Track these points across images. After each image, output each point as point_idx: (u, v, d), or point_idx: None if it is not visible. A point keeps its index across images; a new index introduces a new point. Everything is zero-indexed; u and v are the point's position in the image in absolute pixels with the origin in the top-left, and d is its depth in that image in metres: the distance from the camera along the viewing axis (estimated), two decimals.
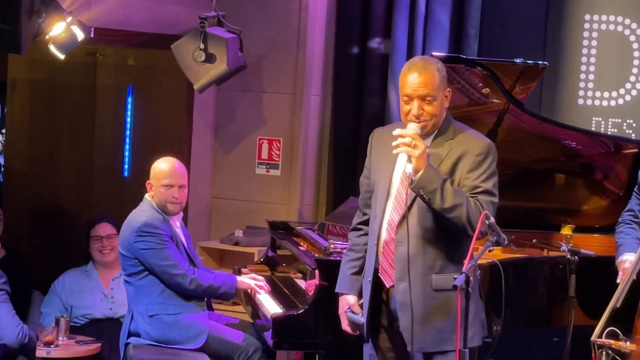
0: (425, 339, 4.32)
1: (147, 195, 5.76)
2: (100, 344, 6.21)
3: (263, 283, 5.82)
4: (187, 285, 5.59)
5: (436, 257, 4.32)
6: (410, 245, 4.30)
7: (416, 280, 4.30)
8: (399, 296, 4.35)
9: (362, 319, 4.51)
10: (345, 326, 4.64)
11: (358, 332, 4.57)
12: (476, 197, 4.24)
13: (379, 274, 4.44)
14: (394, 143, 4.21)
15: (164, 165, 5.74)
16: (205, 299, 5.76)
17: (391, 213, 4.39)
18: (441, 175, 4.21)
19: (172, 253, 5.60)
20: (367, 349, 4.58)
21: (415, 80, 4.27)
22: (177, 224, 5.78)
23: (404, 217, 4.32)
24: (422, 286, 4.30)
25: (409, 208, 4.31)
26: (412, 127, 4.25)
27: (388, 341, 4.51)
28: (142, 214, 5.67)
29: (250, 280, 5.83)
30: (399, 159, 4.32)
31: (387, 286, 4.42)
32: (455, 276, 4.09)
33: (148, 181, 5.74)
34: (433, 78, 4.29)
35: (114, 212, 7.37)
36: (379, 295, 4.47)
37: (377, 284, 4.45)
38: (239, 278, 5.82)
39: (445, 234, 4.30)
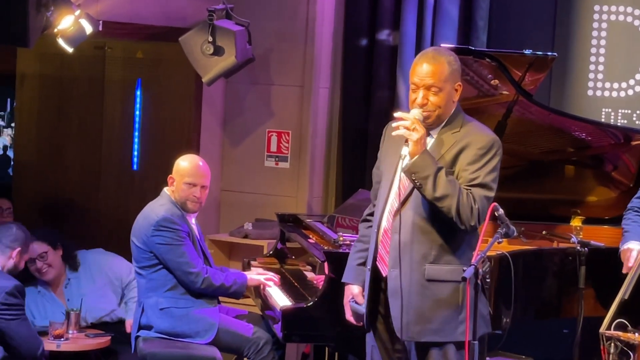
0: (415, 328, 4.31)
1: (166, 189, 5.74)
2: (110, 337, 6.22)
3: (272, 275, 5.82)
4: (199, 285, 5.59)
5: (430, 246, 4.30)
6: (406, 233, 4.29)
7: (409, 268, 4.29)
8: (391, 283, 4.34)
9: (364, 309, 4.51)
10: (349, 316, 4.64)
11: (361, 323, 4.57)
12: (470, 189, 4.22)
13: (377, 262, 4.44)
14: (393, 124, 4.22)
15: (189, 163, 5.72)
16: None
17: (392, 202, 4.39)
18: (437, 164, 4.20)
19: (187, 250, 5.59)
20: (369, 339, 4.57)
21: (423, 69, 4.28)
22: (192, 220, 5.77)
23: (402, 205, 4.32)
24: (415, 275, 4.29)
25: (407, 196, 4.31)
26: (415, 112, 4.25)
27: (386, 331, 4.49)
28: (160, 208, 5.64)
29: (260, 276, 5.82)
30: (403, 154, 4.34)
31: (384, 274, 4.40)
32: (451, 268, 4.14)
33: (170, 176, 5.70)
34: (441, 69, 4.28)
35: (122, 205, 7.40)
36: (378, 284, 4.46)
37: (376, 273, 4.45)
38: (249, 275, 5.81)
39: (441, 224, 4.27)
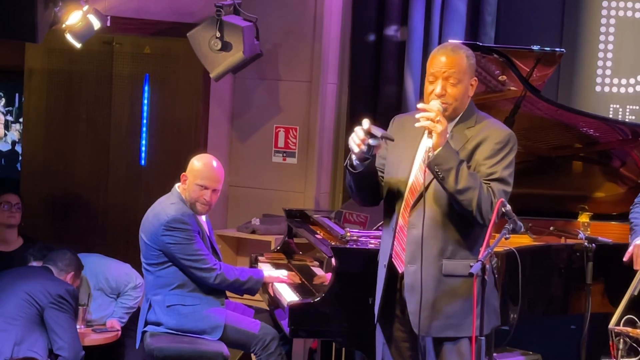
0: (432, 323, 4.31)
1: (177, 187, 5.70)
2: (117, 332, 6.23)
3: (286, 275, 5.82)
4: (212, 281, 5.57)
5: (448, 241, 4.31)
6: (423, 228, 4.28)
7: (426, 263, 4.28)
8: (409, 279, 4.34)
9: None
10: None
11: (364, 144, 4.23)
12: (489, 184, 4.23)
13: (392, 259, 4.43)
14: (417, 115, 4.19)
15: (204, 165, 5.67)
16: (225, 293, 5.75)
17: (407, 198, 4.38)
18: (459, 157, 4.20)
19: (199, 248, 5.57)
20: (379, 337, 4.57)
21: (443, 60, 4.29)
22: (202, 217, 5.75)
23: (419, 200, 4.31)
24: (432, 270, 4.29)
25: (422, 192, 4.29)
26: (436, 104, 4.24)
27: (401, 331, 4.49)
28: (171, 206, 5.61)
29: (279, 272, 5.80)
30: (420, 148, 4.34)
31: (400, 271, 4.40)
32: (468, 263, 4.10)
33: (183, 173, 5.66)
34: (460, 61, 4.30)
35: (130, 200, 7.40)
36: (393, 285, 4.45)
37: (391, 270, 4.44)
38: (266, 273, 5.80)
39: (458, 220, 4.28)
